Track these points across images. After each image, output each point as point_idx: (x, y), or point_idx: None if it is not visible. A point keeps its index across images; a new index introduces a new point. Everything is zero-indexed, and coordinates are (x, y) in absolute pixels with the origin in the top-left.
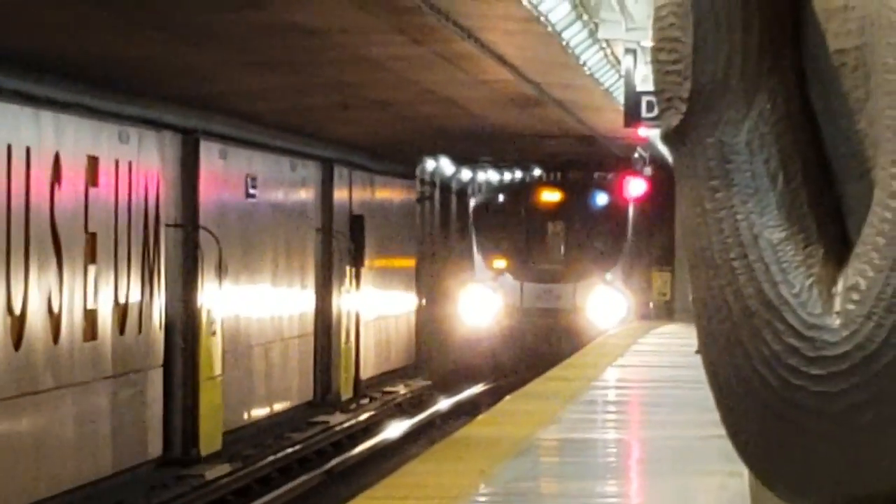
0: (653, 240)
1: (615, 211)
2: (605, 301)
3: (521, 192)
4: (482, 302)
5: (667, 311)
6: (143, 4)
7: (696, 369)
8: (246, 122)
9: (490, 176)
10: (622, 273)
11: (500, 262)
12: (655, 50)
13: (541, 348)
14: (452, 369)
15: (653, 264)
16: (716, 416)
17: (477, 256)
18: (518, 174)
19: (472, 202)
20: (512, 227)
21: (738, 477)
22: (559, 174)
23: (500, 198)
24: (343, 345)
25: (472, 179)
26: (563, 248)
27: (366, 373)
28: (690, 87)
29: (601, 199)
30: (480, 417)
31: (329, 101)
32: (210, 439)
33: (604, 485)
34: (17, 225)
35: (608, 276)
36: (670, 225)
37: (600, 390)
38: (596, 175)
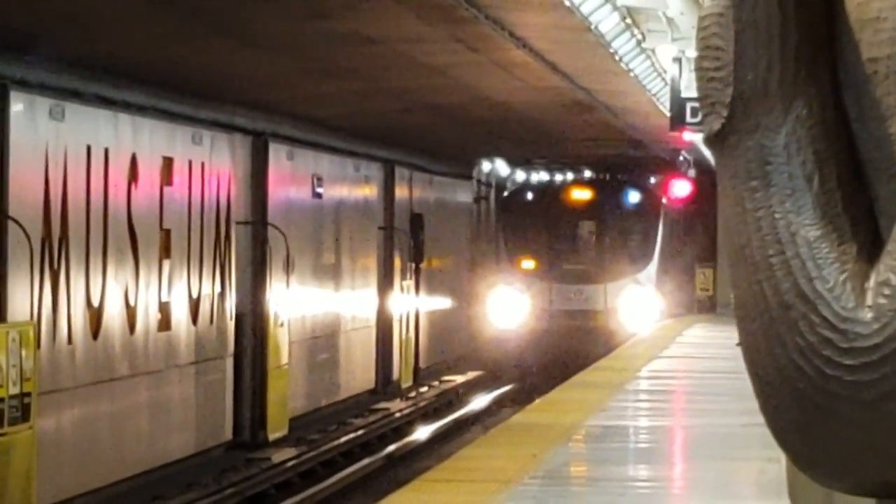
0: (696, 238)
1: (647, 210)
2: (636, 303)
3: (549, 191)
4: (510, 304)
5: (710, 306)
6: (216, 15)
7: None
8: (312, 125)
9: (517, 174)
10: (655, 274)
11: (529, 263)
12: (699, 58)
13: (569, 351)
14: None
15: (696, 261)
16: (755, 404)
17: (503, 257)
18: (547, 173)
19: (498, 201)
20: (540, 226)
21: (776, 463)
22: (591, 173)
23: (529, 196)
24: (403, 336)
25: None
26: (593, 249)
27: (424, 363)
28: (732, 94)
29: (633, 197)
30: (532, 405)
31: (390, 106)
32: (277, 424)
33: (648, 469)
34: (96, 222)
35: (640, 276)
36: (713, 224)
37: (645, 380)
38: (628, 175)
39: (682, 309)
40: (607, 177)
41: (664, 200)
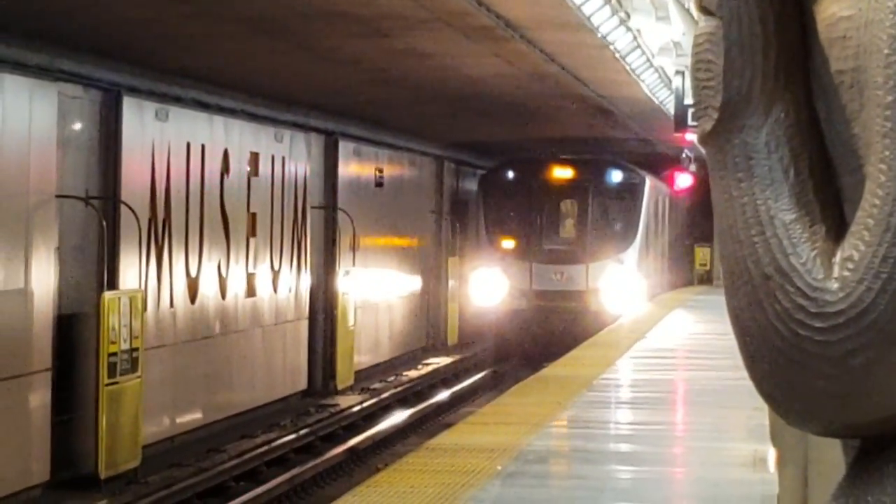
0: (695, 221)
1: (629, 191)
2: (618, 283)
3: (530, 170)
4: (490, 285)
5: (707, 278)
6: (296, 34)
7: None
8: (374, 126)
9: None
10: (638, 255)
11: (508, 243)
12: (694, 70)
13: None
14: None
15: (695, 242)
16: (741, 361)
17: (484, 237)
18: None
19: (479, 180)
20: (521, 206)
21: (761, 411)
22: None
23: (510, 175)
24: (448, 302)
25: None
26: (574, 229)
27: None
28: (721, 99)
29: (615, 177)
30: (557, 361)
31: (441, 110)
32: (344, 376)
33: (656, 414)
34: (194, 206)
35: (622, 257)
36: (710, 209)
37: (651, 341)
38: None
39: (684, 281)
40: (589, 156)
41: (647, 181)
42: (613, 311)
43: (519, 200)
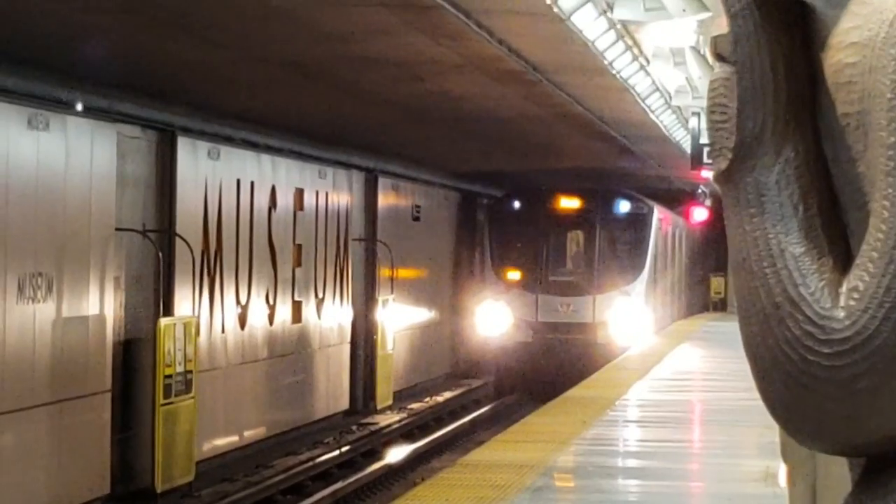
0: (709, 252)
1: (637, 222)
2: (626, 316)
3: (536, 200)
4: (495, 316)
5: (721, 305)
6: (337, 78)
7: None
8: (412, 163)
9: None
10: (645, 287)
11: (514, 274)
12: (710, 112)
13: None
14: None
15: (710, 271)
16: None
17: (489, 268)
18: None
19: (486, 211)
20: (527, 236)
21: (772, 429)
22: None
23: (515, 205)
24: None
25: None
26: (581, 260)
27: None
28: (735, 140)
29: (622, 207)
30: (581, 383)
31: (473, 149)
32: (384, 396)
33: (673, 433)
34: (244, 238)
35: (628, 288)
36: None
37: (669, 365)
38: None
39: (699, 308)
40: (597, 188)
41: (655, 211)
42: (620, 344)
43: (525, 230)
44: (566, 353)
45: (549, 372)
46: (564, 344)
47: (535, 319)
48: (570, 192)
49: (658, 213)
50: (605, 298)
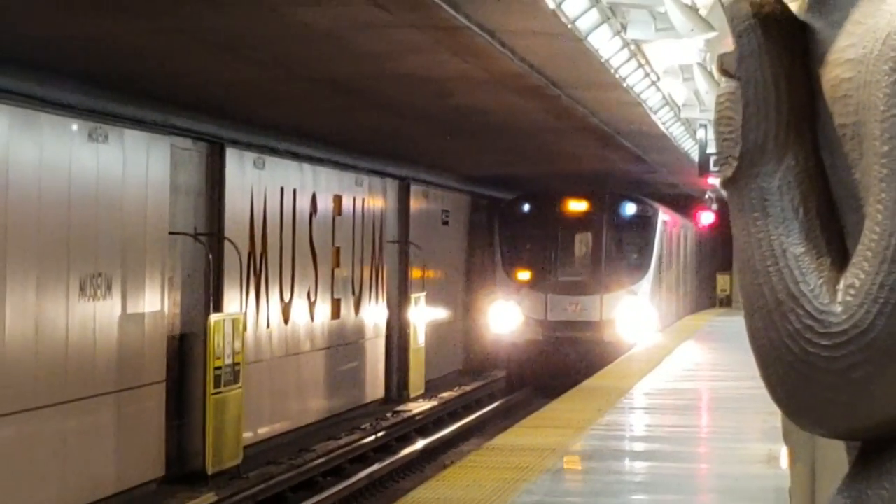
0: (716, 252)
1: (642, 224)
2: (632, 314)
3: (545, 203)
4: (506, 315)
5: (727, 302)
6: (372, 92)
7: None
8: (442, 172)
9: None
10: (651, 286)
11: (525, 275)
12: (717, 124)
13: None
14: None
15: (716, 270)
16: (757, 373)
17: (500, 269)
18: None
19: (497, 213)
20: (536, 238)
21: (774, 415)
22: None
23: (525, 208)
24: None
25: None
26: (589, 261)
27: None
28: (740, 150)
29: (628, 209)
30: (596, 374)
31: (498, 159)
32: (416, 386)
33: (683, 419)
34: (287, 241)
35: (634, 288)
36: (730, 242)
37: (678, 357)
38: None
39: (707, 304)
40: (604, 191)
41: (660, 213)
42: (627, 341)
43: (534, 233)
44: (574, 350)
45: (558, 368)
46: (573, 341)
47: (545, 318)
48: (577, 195)
49: (663, 215)
50: (612, 298)
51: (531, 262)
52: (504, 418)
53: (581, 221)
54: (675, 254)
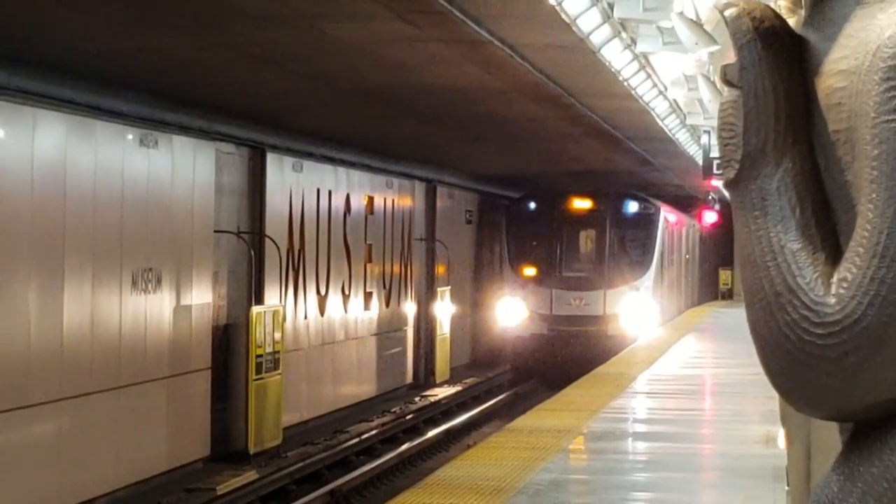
0: (718, 249)
1: (645, 221)
2: (634, 309)
3: (551, 201)
4: (512, 310)
5: (729, 295)
6: (401, 101)
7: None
8: (466, 175)
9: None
10: (653, 282)
11: (530, 271)
12: (720, 130)
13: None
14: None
15: (719, 265)
16: (757, 359)
17: (507, 265)
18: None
19: (504, 211)
20: (542, 235)
21: (772, 399)
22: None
23: (531, 206)
24: None
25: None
26: (593, 257)
27: None
28: (741, 153)
29: (631, 207)
30: (608, 362)
31: (518, 162)
32: (442, 372)
33: (688, 402)
34: (323, 238)
35: (637, 283)
36: (731, 239)
37: (684, 346)
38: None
39: (710, 297)
40: (608, 190)
41: (662, 211)
42: (630, 335)
43: (540, 230)
44: (579, 344)
45: (563, 361)
46: (577, 336)
47: (550, 312)
48: (582, 193)
49: (665, 213)
50: (616, 293)
51: (537, 259)
52: (522, 402)
53: (585, 219)
54: (677, 250)
